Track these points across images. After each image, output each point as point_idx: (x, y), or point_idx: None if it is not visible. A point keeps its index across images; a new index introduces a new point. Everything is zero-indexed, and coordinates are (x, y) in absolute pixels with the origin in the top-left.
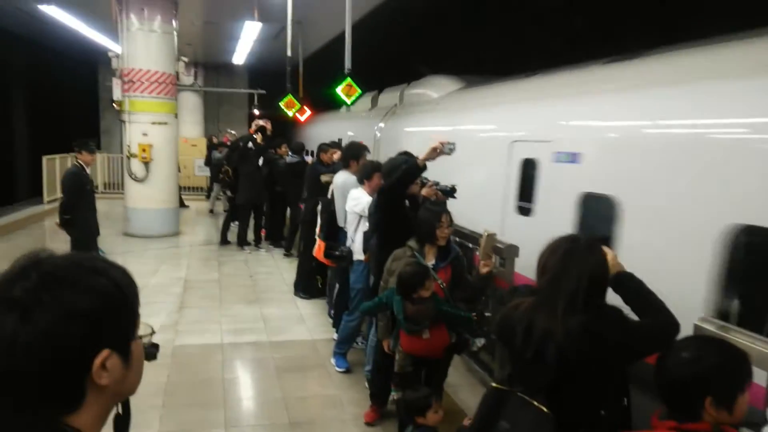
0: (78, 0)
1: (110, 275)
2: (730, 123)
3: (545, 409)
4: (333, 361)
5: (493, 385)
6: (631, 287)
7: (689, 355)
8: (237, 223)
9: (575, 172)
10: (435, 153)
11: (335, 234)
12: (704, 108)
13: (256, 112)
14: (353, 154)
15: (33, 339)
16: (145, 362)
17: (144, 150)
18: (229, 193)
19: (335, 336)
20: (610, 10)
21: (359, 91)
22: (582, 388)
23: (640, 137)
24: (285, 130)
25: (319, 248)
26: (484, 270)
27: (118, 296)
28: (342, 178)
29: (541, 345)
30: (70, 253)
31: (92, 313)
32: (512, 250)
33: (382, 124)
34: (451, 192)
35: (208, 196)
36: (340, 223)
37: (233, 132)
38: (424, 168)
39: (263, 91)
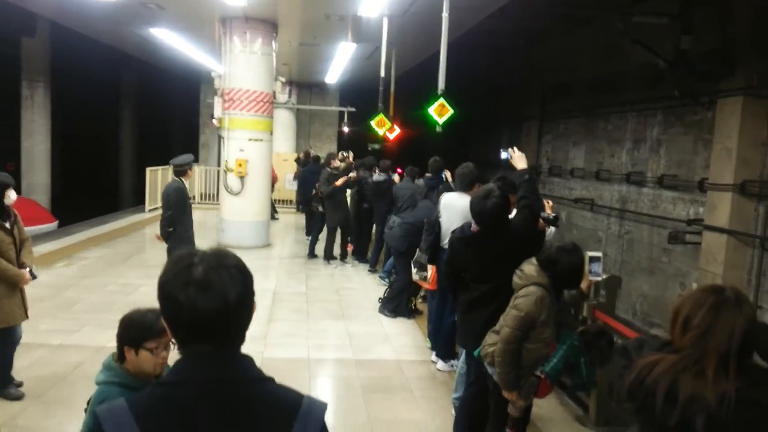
0: (186, 23)
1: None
2: None
3: None
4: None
5: None
6: None
7: None
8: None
9: None
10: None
11: (437, 255)
12: None
13: (345, 129)
14: (477, 177)
15: (246, 296)
16: None
17: (240, 165)
18: (321, 208)
19: (433, 358)
20: None
21: (452, 110)
22: None
23: None
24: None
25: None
26: (586, 288)
27: None
28: (464, 201)
29: (688, 412)
30: (217, 248)
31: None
32: (614, 281)
33: None
34: (554, 221)
35: (298, 209)
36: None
37: (345, 153)
38: None
39: (353, 109)
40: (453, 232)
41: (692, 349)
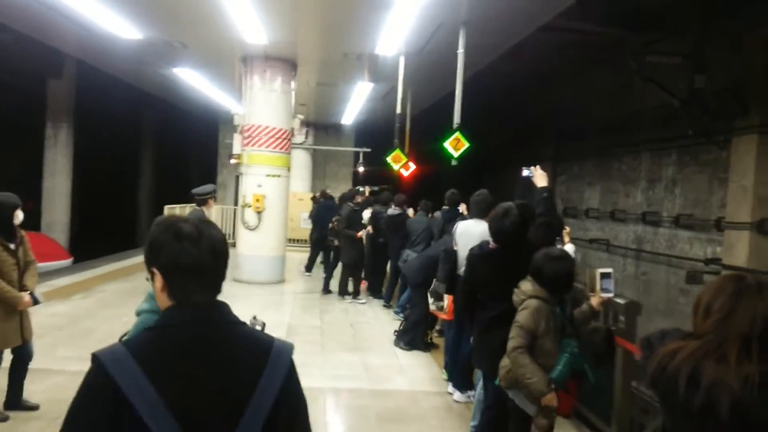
0: (207, 62)
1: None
2: None
3: None
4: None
5: None
6: None
7: None
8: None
9: None
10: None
11: (455, 285)
12: None
13: (360, 169)
14: (492, 204)
15: (227, 251)
16: None
17: (258, 200)
18: (336, 242)
19: (450, 389)
20: None
21: (467, 144)
22: None
23: None
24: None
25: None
26: (598, 305)
27: None
28: (480, 227)
29: (710, 397)
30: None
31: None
32: (634, 307)
33: None
34: None
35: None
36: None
37: (361, 189)
38: None
39: (368, 150)
40: (471, 249)
41: (714, 335)
